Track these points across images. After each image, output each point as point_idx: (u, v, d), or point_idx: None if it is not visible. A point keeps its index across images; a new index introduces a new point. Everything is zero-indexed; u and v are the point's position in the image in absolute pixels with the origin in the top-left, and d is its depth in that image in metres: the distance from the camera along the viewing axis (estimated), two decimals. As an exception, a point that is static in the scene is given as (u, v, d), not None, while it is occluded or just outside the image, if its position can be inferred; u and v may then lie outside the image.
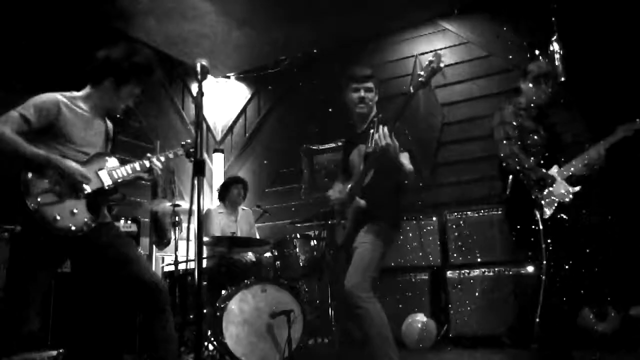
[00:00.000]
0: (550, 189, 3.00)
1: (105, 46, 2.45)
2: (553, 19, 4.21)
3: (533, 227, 2.93)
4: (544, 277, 2.93)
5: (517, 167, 3.04)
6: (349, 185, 2.78)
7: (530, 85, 3.19)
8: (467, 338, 3.90)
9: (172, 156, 2.66)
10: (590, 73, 4.15)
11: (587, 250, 3.58)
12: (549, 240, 2.94)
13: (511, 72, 4.69)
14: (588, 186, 3.08)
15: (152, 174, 2.55)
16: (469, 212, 4.19)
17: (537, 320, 2.93)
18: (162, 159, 2.62)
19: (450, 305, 4.03)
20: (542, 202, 3.00)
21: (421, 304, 4.13)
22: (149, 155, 2.61)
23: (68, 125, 2.31)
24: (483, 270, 3.99)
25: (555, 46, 4.15)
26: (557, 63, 4.06)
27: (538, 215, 2.95)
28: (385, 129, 2.41)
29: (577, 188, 3.01)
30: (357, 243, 2.66)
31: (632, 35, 4.07)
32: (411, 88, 2.48)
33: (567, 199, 2.98)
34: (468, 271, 4.04)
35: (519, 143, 3.12)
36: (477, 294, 3.95)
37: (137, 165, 2.53)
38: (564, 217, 2.98)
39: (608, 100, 3.97)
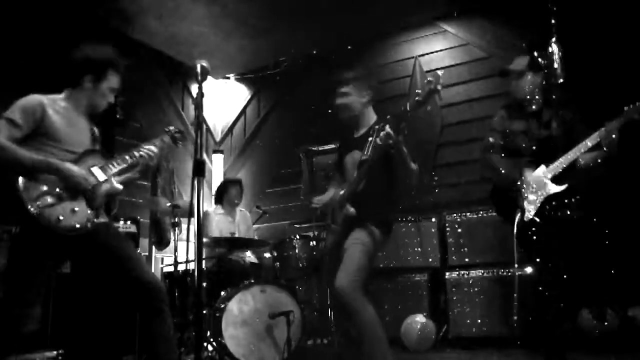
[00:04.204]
0: (524, 195, 2.94)
1: (75, 48, 2.46)
2: (552, 20, 4.22)
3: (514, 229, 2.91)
4: (516, 279, 2.96)
5: (492, 176, 3.10)
6: (341, 192, 2.80)
7: (515, 82, 3.09)
8: (466, 339, 3.91)
9: (159, 144, 2.62)
10: (590, 74, 4.16)
11: (583, 251, 3.59)
12: (533, 242, 2.90)
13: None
14: (586, 184, 3.04)
15: (147, 159, 2.53)
16: (468, 213, 4.20)
17: (515, 319, 2.96)
18: (152, 147, 2.58)
19: (449, 306, 4.03)
20: (523, 205, 2.93)
21: (420, 304, 4.14)
22: (149, 143, 2.61)
23: (54, 125, 2.31)
24: (482, 271, 3.99)
25: (554, 47, 4.16)
26: (556, 65, 4.07)
27: (517, 219, 2.91)
28: (388, 127, 2.43)
29: (562, 187, 2.84)
30: (348, 244, 2.68)
31: (631, 36, 4.08)
32: (408, 106, 2.44)
33: (537, 206, 2.87)
34: (467, 272, 4.04)
35: (503, 147, 3.09)
36: (476, 295, 3.95)
37: (127, 157, 2.51)
38: (539, 220, 2.88)
39: (607, 101, 3.97)
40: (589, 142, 2.78)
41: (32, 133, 2.27)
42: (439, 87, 2.35)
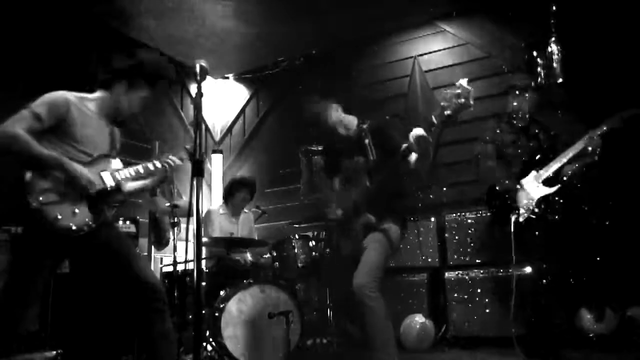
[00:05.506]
0: (519, 197, 3.20)
1: (116, 51, 2.49)
2: (552, 20, 4.22)
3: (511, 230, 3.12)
4: (514, 279, 3.07)
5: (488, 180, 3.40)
6: (353, 199, 2.82)
7: (514, 99, 3.39)
8: (465, 339, 3.91)
9: (178, 161, 2.66)
10: (589, 74, 4.16)
11: (578, 252, 3.63)
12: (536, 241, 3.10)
13: (510, 73, 4.71)
14: (581, 184, 3.16)
15: (166, 171, 2.58)
16: (467, 213, 4.20)
17: (511, 319, 3.03)
18: (177, 160, 2.62)
19: (448, 306, 4.03)
20: (518, 206, 3.18)
21: (419, 304, 4.14)
22: (168, 156, 2.62)
23: (75, 124, 2.32)
24: (481, 271, 3.99)
25: (553, 47, 4.16)
26: (555, 64, 4.07)
27: (513, 219, 3.14)
28: (421, 130, 2.45)
29: (554, 189, 3.11)
30: (366, 243, 2.72)
31: (630, 37, 4.08)
32: (434, 119, 2.41)
33: (530, 207, 3.12)
34: (466, 272, 4.04)
35: (494, 155, 3.41)
36: (475, 294, 3.95)
37: (140, 168, 2.53)
38: (535, 218, 3.12)
39: (606, 101, 3.97)
40: (575, 149, 3.07)
41: (53, 128, 2.27)
42: (471, 101, 2.31)
